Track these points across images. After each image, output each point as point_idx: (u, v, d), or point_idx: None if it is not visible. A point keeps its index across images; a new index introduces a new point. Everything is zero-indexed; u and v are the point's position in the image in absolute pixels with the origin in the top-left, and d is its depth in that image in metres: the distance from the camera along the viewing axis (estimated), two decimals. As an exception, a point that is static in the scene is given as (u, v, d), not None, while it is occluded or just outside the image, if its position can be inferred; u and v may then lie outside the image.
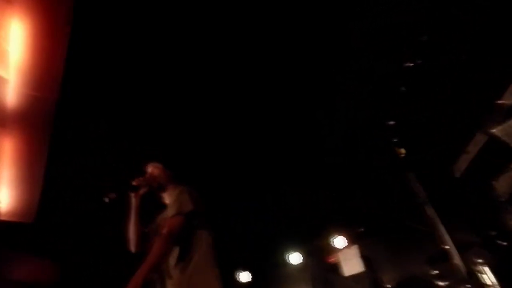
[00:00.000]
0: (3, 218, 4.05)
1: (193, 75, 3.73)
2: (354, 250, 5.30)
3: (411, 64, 1.90)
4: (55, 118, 3.45)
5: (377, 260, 5.77)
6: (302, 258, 6.86)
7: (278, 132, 4.67)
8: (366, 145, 3.78)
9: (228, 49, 3.54)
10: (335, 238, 6.24)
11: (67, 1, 2.77)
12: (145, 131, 4.14)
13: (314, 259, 6.28)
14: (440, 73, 3.15)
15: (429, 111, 3.58)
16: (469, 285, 3.98)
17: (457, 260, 1.69)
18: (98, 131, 3.99)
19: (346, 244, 6.07)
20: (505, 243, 4.09)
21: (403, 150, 1.98)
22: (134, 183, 2.45)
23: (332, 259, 5.55)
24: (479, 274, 3.93)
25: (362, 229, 6.56)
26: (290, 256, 6.93)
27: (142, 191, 2.48)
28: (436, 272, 4.59)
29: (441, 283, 4.50)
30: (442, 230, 1.72)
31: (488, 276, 3.85)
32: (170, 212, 2.28)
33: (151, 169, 2.62)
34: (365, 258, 5.43)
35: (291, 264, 6.96)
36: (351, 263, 5.23)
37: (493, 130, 2.92)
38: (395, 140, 1.98)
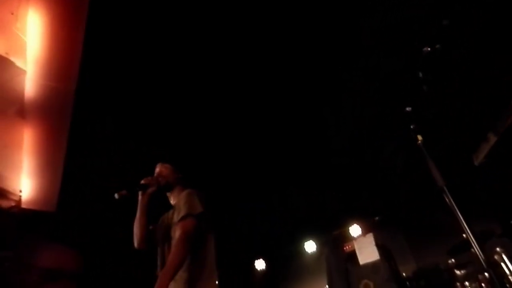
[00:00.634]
0: (25, 206, 4.17)
1: (198, 74, 3.72)
2: (369, 239, 5.27)
3: (429, 49, 1.84)
4: (74, 108, 3.50)
5: (394, 249, 5.73)
6: (317, 246, 6.89)
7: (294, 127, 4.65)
8: (383, 133, 3.75)
9: (237, 48, 3.51)
10: (350, 226, 6.24)
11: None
12: (156, 127, 4.17)
13: (329, 248, 6.28)
14: (459, 58, 3.07)
15: (448, 97, 3.50)
16: (488, 274, 3.92)
17: (475, 249, 1.65)
18: (117, 122, 4.03)
19: (361, 232, 6.05)
20: (526, 232, 4.01)
21: (420, 137, 1.93)
22: (143, 181, 2.51)
23: (347, 248, 5.54)
24: (500, 263, 3.87)
25: (377, 218, 6.53)
26: (306, 244, 6.97)
27: (150, 190, 2.52)
28: (454, 261, 4.55)
29: (459, 272, 4.44)
30: (461, 218, 1.68)
31: (508, 265, 3.79)
32: (179, 213, 2.28)
33: (160, 168, 2.65)
34: (382, 247, 5.40)
35: (307, 253, 7.00)
36: (366, 252, 5.21)
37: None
38: (412, 126, 1.93)
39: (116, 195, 2.32)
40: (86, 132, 3.92)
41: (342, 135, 4.76)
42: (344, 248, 5.63)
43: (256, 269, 7.29)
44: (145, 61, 3.48)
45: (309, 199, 6.17)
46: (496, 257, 3.94)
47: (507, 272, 3.78)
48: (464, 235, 1.81)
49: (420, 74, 1.99)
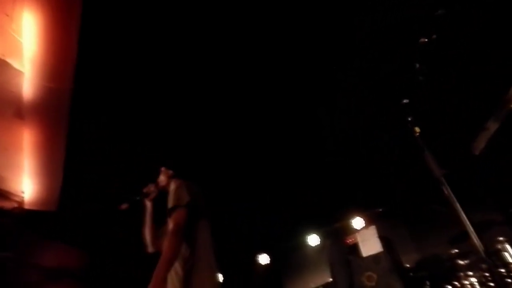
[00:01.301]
0: (27, 207, 4.18)
1: (195, 72, 3.72)
2: (372, 231, 5.28)
3: (426, 40, 1.83)
4: (72, 107, 3.51)
5: (396, 240, 5.75)
6: (320, 240, 6.91)
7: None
8: (382, 125, 3.76)
9: (231, 47, 3.50)
10: (352, 219, 6.25)
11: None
12: (154, 125, 4.18)
13: (332, 241, 6.30)
14: (456, 49, 3.06)
15: (445, 88, 3.49)
16: (490, 263, 3.93)
17: (474, 238, 1.65)
18: (115, 120, 4.04)
19: (364, 224, 6.07)
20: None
21: (417, 129, 1.92)
22: (144, 190, 2.61)
23: (350, 240, 5.55)
24: (501, 252, 3.87)
25: (381, 210, 6.54)
26: (309, 238, 6.99)
27: (152, 196, 2.64)
28: (456, 251, 4.55)
29: (461, 262, 4.45)
30: (459, 209, 1.69)
31: (510, 253, 3.79)
32: (168, 205, 2.31)
33: (160, 175, 2.72)
34: (384, 238, 5.41)
35: (310, 246, 7.02)
36: (369, 244, 5.22)
37: (512, 105, 2.83)
38: (409, 118, 1.93)
39: (119, 208, 2.37)
40: (85, 131, 3.93)
41: (341, 127, 4.76)
42: (347, 241, 5.64)
43: (260, 264, 7.32)
44: (140, 59, 3.48)
45: (311, 193, 6.18)
46: (498, 245, 3.94)
47: (510, 260, 3.79)
48: (459, 225, 1.81)
49: (417, 65, 1.99)
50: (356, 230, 5.92)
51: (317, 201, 6.35)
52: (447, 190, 1.77)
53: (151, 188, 2.68)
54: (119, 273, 5.57)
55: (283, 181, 5.83)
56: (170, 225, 2.20)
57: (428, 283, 5.03)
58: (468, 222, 1.64)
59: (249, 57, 3.60)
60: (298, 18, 3.34)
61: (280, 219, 6.69)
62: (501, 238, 3.92)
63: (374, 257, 5.15)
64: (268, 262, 7.36)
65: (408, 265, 5.60)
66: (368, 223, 6.05)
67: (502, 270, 3.83)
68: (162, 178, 2.71)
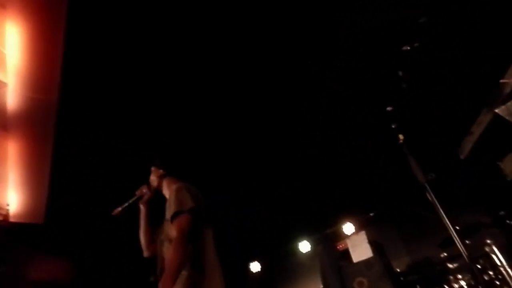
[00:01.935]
0: (13, 220, 4.12)
1: (176, 77, 3.72)
2: (362, 236, 5.28)
3: (408, 48, 1.86)
4: (57, 118, 3.47)
5: (387, 245, 5.77)
6: (311, 246, 6.91)
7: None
8: (366, 131, 3.80)
9: (213, 46, 3.50)
10: (343, 225, 6.27)
11: (61, 3, 2.75)
12: (141, 134, 4.15)
13: (323, 247, 6.30)
14: (439, 54, 3.11)
15: (429, 94, 3.54)
16: (479, 266, 3.97)
17: (458, 244, 1.67)
18: (101, 131, 4.00)
19: (354, 230, 6.08)
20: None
21: (401, 136, 1.94)
22: (137, 192, 2.53)
23: (340, 246, 5.55)
24: (490, 255, 3.91)
25: (372, 214, 6.57)
26: (300, 244, 6.98)
27: (146, 197, 2.55)
28: (446, 255, 4.59)
29: (451, 265, 4.49)
30: (442, 215, 1.70)
31: (498, 255, 3.83)
32: (169, 211, 2.23)
33: (151, 176, 2.65)
34: (375, 243, 5.42)
35: (301, 253, 7.02)
36: (360, 249, 5.22)
37: (497, 110, 2.87)
38: (393, 126, 1.94)
39: (113, 214, 2.33)
40: (71, 142, 3.88)
41: (329, 134, 4.80)
42: (338, 247, 5.64)
43: (251, 271, 7.28)
44: (126, 69, 3.46)
45: (301, 199, 6.18)
46: (486, 248, 3.98)
47: (498, 262, 3.83)
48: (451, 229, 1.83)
49: (400, 73, 2.01)
50: (347, 236, 5.93)
51: (307, 207, 6.36)
52: (431, 196, 1.78)
53: (144, 190, 2.59)
54: (108, 283, 5.49)
55: (272, 189, 5.83)
56: (174, 232, 2.11)
57: (419, 287, 5.06)
58: (451, 228, 1.66)
59: (230, 55, 3.59)
60: (284, 19, 3.36)
61: (271, 226, 6.67)
62: (489, 241, 3.97)
63: (366, 263, 5.15)
64: (260, 269, 7.33)
65: (399, 270, 5.63)
66: (359, 228, 6.07)
67: (491, 273, 3.88)
68: (153, 178, 2.63)
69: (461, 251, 1.62)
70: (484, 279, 3.87)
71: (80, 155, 4.06)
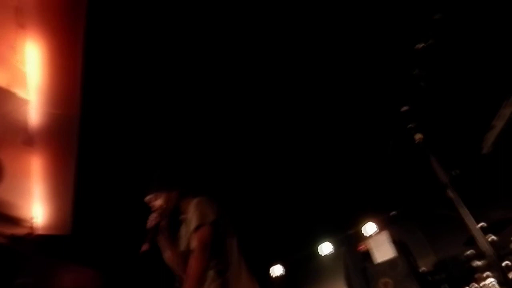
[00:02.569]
0: (40, 232, 4.22)
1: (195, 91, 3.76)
2: (385, 236, 5.21)
3: (423, 45, 1.83)
4: (79, 132, 3.56)
5: (412, 244, 5.67)
6: (333, 247, 6.85)
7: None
8: (385, 135, 3.75)
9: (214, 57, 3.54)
10: (365, 225, 6.19)
11: (79, 20, 2.82)
12: (162, 143, 4.20)
13: (345, 248, 6.24)
14: (457, 49, 3.05)
15: (447, 90, 3.47)
16: (508, 263, 3.86)
17: (482, 243, 1.64)
18: (124, 142, 4.08)
19: (377, 230, 6.00)
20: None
21: (419, 135, 1.90)
22: (149, 225, 2.36)
23: (363, 247, 5.49)
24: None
25: (394, 213, 6.47)
26: (321, 246, 6.92)
27: (162, 224, 2.40)
28: (473, 251, 4.47)
29: (479, 263, 4.37)
30: (466, 213, 1.66)
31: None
32: (192, 224, 2.20)
33: (154, 203, 2.46)
34: (399, 243, 5.34)
35: (324, 255, 6.96)
36: (383, 249, 5.15)
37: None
38: (410, 125, 1.91)
39: (140, 252, 2.29)
40: (95, 154, 3.97)
41: (348, 134, 4.76)
42: (360, 247, 5.58)
43: (274, 275, 7.26)
44: (145, 82, 3.53)
45: (321, 200, 6.15)
46: (512, 245, 3.87)
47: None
48: (477, 226, 1.79)
49: (416, 71, 1.98)
50: (369, 236, 5.85)
51: (328, 208, 6.31)
52: (454, 195, 1.75)
53: (154, 220, 2.40)
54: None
55: (293, 191, 5.82)
56: (195, 243, 2.13)
57: (446, 285, 4.95)
58: (475, 226, 1.62)
59: (246, 60, 3.62)
60: (296, 20, 3.36)
61: (292, 229, 6.65)
62: (516, 238, 3.86)
63: (390, 263, 5.08)
64: (283, 273, 7.30)
65: (425, 269, 5.52)
66: (381, 228, 5.98)
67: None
68: (163, 203, 2.45)
69: (485, 249, 1.58)
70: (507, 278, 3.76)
71: (104, 166, 4.14)
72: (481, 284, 4.19)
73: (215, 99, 4.01)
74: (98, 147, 3.96)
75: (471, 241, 4.28)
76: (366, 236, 6.04)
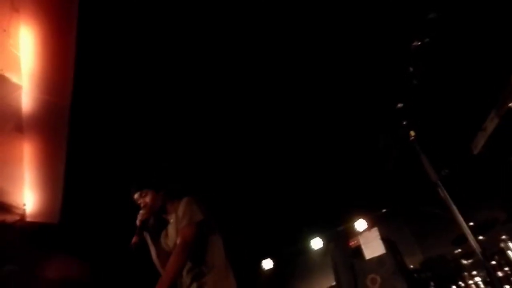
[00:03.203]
0: (29, 219, 4.20)
1: (188, 84, 3.74)
2: (375, 233, 5.25)
3: (419, 43, 1.84)
4: (71, 120, 3.53)
5: (400, 242, 5.72)
6: (323, 243, 6.90)
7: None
8: (378, 128, 3.79)
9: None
10: (355, 221, 6.23)
11: (73, 5, 2.80)
12: (153, 133, 4.18)
13: (335, 244, 6.28)
14: (449, 50, 3.07)
15: (441, 89, 3.50)
16: (494, 262, 3.92)
17: (472, 241, 1.66)
18: (114, 131, 4.05)
19: (367, 227, 6.05)
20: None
21: (413, 133, 1.92)
22: (139, 221, 2.37)
23: (353, 243, 5.53)
24: (505, 251, 3.85)
25: (384, 211, 6.53)
26: (312, 241, 6.97)
27: (151, 223, 2.44)
28: (460, 251, 4.53)
29: (465, 262, 4.43)
30: (455, 212, 1.69)
31: (513, 252, 3.77)
32: (181, 223, 2.24)
33: (143, 200, 2.47)
34: (387, 240, 5.38)
35: (313, 250, 7.01)
36: (372, 246, 5.19)
37: (510, 104, 2.83)
38: (404, 122, 1.93)
39: (129, 248, 2.30)
40: (85, 142, 3.94)
41: (339, 130, 4.79)
42: (350, 244, 5.62)
43: (264, 269, 7.30)
44: (139, 71, 3.50)
45: (312, 196, 6.18)
46: (502, 244, 3.93)
47: (515, 259, 3.77)
48: (464, 226, 1.81)
49: (410, 69, 2.00)
50: (359, 233, 5.89)
51: (319, 204, 6.35)
52: (444, 194, 1.77)
53: (145, 215, 2.41)
54: (124, 281, 5.56)
55: (284, 185, 5.83)
56: (178, 240, 2.17)
57: (433, 283, 5.01)
58: (465, 225, 1.65)
59: (234, 56, 3.61)
60: (294, 18, 3.36)
61: (283, 223, 6.68)
62: (504, 237, 3.91)
63: (378, 259, 5.12)
64: (272, 266, 7.35)
65: (412, 266, 5.58)
66: (371, 225, 6.02)
67: (506, 269, 3.82)
68: (151, 201, 2.46)
69: (475, 248, 1.61)
70: (499, 275, 3.82)
71: (94, 155, 4.11)
72: (468, 283, 4.25)
73: (205, 96, 3.99)
74: (89, 137, 3.93)
75: (459, 240, 4.35)
76: (356, 232, 6.09)
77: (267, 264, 7.34)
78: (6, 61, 3.09)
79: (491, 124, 3.02)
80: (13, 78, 3.18)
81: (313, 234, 7.02)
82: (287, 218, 6.58)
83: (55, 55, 3.04)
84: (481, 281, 4.17)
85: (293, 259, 7.58)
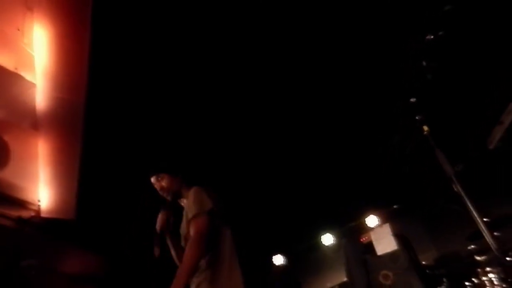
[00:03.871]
0: (43, 215, 4.27)
1: (199, 83, 3.75)
2: (386, 229, 5.21)
3: (432, 37, 1.81)
4: (85, 117, 3.57)
5: (413, 238, 5.67)
6: (334, 239, 6.88)
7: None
8: (391, 123, 3.76)
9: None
10: (367, 217, 6.19)
11: (86, 4, 2.82)
12: (167, 130, 4.21)
13: (347, 240, 6.26)
14: (464, 42, 3.01)
15: (456, 83, 3.44)
16: (509, 259, 3.85)
17: (487, 237, 1.64)
18: (129, 128, 4.09)
19: (378, 223, 6.00)
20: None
21: (426, 128, 1.89)
22: (158, 227, 2.38)
23: (364, 239, 5.50)
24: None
25: (395, 207, 6.47)
26: (323, 237, 6.95)
27: (170, 221, 2.43)
28: (474, 247, 4.47)
29: (479, 258, 4.37)
30: (470, 208, 1.66)
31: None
32: (190, 213, 2.19)
33: (159, 184, 2.50)
34: (401, 236, 5.34)
35: (324, 246, 6.99)
36: (384, 242, 5.16)
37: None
38: (417, 117, 1.90)
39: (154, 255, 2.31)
40: (100, 138, 3.99)
41: (351, 125, 4.75)
42: (362, 240, 5.59)
43: (275, 265, 7.31)
44: (153, 68, 3.52)
45: (324, 192, 6.15)
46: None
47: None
48: (479, 222, 1.78)
49: (424, 63, 1.96)
50: (371, 229, 5.86)
51: (330, 200, 6.32)
52: (458, 189, 1.74)
53: (162, 220, 2.43)
54: (140, 278, 5.62)
55: (297, 182, 5.82)
56: (192, 232, 2.12)
57: (446, 280, 4.96)
58: (479, 221, 1.62)
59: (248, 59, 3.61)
60: (301, 16, 3.33)
61: (294, 219, 6.67)
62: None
63: (391, 255, 5.09)
64: (284, 262, 7.35)
65: (425, 263, 5.53)
66: (383, 221, 5.98)
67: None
68: (167, 185, 2.48)
69: (490, 243, 1.58)
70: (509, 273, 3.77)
71: (109, 151, 4.16)
72: (482, 279, 4.19)
73: (219, 93, 4.00)
74: (104, 133, 3.97)
75: (474, 236, 4.29)
76: (367, 228, 6.05)
77: (278, 260, 7.35)
78: (21, 60, 3.14)
79: (508, 117, 2.96)
80: (27, 77, 3.24)
81: (324, 230, 7.00)
82: (298, 215, 6.57)
83: (69, 54, 3.07)
84: (495, 277, 4.11)
85: (305, 256, 7.57)
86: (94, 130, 3.75)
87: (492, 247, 1.58)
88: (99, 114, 3.69)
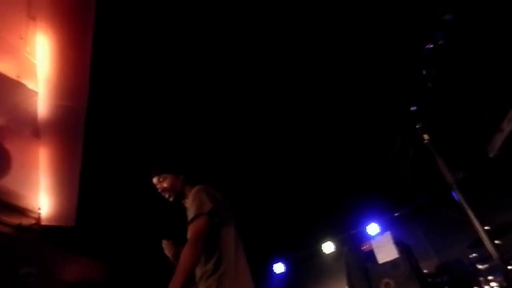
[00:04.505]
0: (44, 223, 4.26)
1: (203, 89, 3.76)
2: (387, 237, 5.19)
3: (431, 46, 1.82)
4: (86, 124, 3.58)
5: (414, 245, 5.65)
6: (335, 247, 6.85)
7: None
8: (391, 131, 3.77)
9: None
10: (368, 225, 6.18)
11: (89, 13, 2.84)
12: (169, 137, 4.22)
13: (348, 248, 6.23)
14: (464, 50, 3.03)
15: (456, 91, 3.46)
16: (506, 270, 3.83)
17: (488, 246, 1.64)
18: (130, 135, 4.10)
19: (379, 231, 5.99)
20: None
21: (426, 136, 1.90)
22: (167, 253, 2.42)
23: (365, 247, 5.48)
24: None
25: (397, 215, 6.46)
26: (323, 245, 6.93)
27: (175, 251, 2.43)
28: (476, 255, 4.45)
29: (481, 266, 4.35)
30: (471, 215, 1.66)
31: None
32: (189, 214, 2.18)
33: (161, 184, 2.50)
34: (402, 244, 5.32)
35: (324, 254, 6.96)
36: (385, 250, 5.13)
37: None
38: (418, 126, 1.90)
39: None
40: (101, 146, 4.00)
41: (352, 133, 4.76)
42: (363, 248, 5.57)
43: (276, 273, 7.28)
44: (154, 76, 3.54)
45: (324, 200, 6.14)
46: (518, 249, 3.84)
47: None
48: (480, 230, 1.78)
49: (424, 72, 1.98)
50: (371, 237, 5.84)
51: (331, 208, 6.31)
52: (460, 197, 1.74)
53: (167, 247, 2.47)
54: (140, 284, 5.59)
55: (298, 189, 5.82)
56: (189, 233, 2.08)
57: (448, 288, 4.93)
58: (480, 229, 1.62)
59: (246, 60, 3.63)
60: (302, 21, 3.36)
61: (294, 227, 6.66)
62: (521, 241, 3.83)
63: (392, 263, 5.06)
64: (284, 270, 7.32)
65: (427, 271, 5.49)
66: (384, 229, 5.97)
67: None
68: (170, 185, 2.48)
69: (491, 252, 1.58)
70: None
71: (109, 158, 4.16)
72: (484, 288, 4.17)
73: (221, 95, 4.01)
74: (104, 140, 3.98)
75: (475, 245, 4.27)
76: (368, 236, 6.03)
77: (279, 268, 7.31)
78: (23, 68, 3.17)
79: (508, 125, 2.97)
80: (29, 85, 3.25)
81: (325, 238, 6.98)
82: (299, 223, 6.55)
83: (71, 63, 3.09)
84: (497, 286, 4.08)
85: (305, 263, 7.53)
86: (95, 137, 3.76)
87: (493, 255, 1.57)
88: (100, 121, 3.70)
